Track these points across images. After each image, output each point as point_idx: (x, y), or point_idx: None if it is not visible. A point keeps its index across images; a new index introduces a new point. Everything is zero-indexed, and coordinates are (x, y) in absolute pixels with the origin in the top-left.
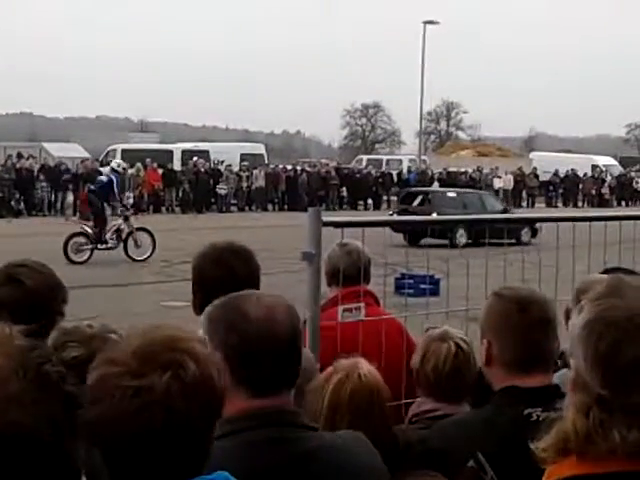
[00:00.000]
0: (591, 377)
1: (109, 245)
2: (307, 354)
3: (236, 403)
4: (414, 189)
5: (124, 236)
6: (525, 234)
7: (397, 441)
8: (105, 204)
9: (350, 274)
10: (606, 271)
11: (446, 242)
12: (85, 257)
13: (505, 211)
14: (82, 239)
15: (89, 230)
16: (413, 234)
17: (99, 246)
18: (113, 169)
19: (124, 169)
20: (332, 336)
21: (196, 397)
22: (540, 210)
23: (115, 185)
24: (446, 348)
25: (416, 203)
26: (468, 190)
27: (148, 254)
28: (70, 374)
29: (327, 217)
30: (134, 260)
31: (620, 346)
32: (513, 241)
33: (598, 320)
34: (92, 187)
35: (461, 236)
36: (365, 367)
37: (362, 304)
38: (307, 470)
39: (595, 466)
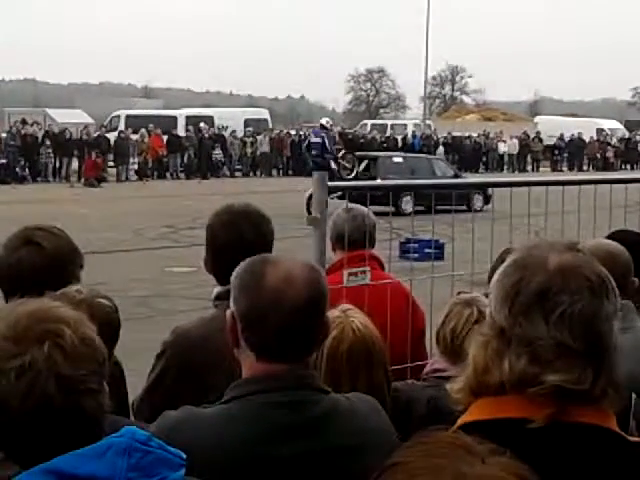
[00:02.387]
0: (497, 313)
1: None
2: None
3: (247, 363)
4: (359, 153)
5: None
6: (477, 200)
7: (397, 394)
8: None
9: (355, 238)
10: (613, 234)
11: (392, 209)
12: None
13: (456, 177)
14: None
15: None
16: (357, 201)
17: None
18: (323, 126)
19: (331, 125)
20: (337, 300)
21: (81, 360)
22: (544, 174)
23: (327, 142)
24: (469, 312)
25: (361, 168)
26: (416, 155)
27: None
28: None
29: (332, 182)
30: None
31: (524, 281)
32: (463, 207)
33: (511, 264)
34: (311, 143)
35: (407, 203)
36: (357, 320)
37: (367, 268)
38: (318, 433)
39: (493, 409)
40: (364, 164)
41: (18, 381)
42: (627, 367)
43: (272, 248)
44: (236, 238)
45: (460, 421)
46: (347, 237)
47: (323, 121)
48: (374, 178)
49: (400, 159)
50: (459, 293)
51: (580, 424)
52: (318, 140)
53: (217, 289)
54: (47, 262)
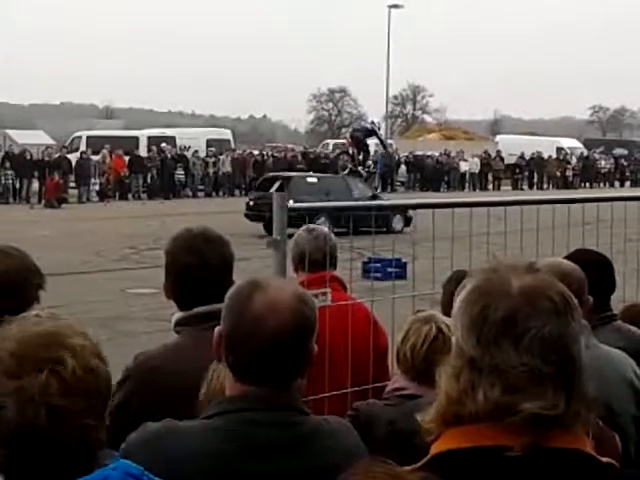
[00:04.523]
0: (465, 342)
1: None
2: None
3: (228, 382)
4: (271, 174)
5: None
6: (397, 222)
7: (357, 414)
8: None
9: (316, 259)
10: (572, 254)
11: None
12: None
13: (374, 197)
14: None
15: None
16: (272, 224)
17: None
18: (373, 122)
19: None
20: None
21: (77, 391)
22: (505, 193)
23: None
24: (427, 329)
25: (274, 189)
26: (331, 175)
27: None
28: None
29: (292, 203)
30: None
31: (489, 309)
32: (383, 229)
33: (473, 291)
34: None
35: (323, 223)
36: None
37: (328, 290)
38: (301, 452)
39: (467, 438)
40: (277, 184)
41: (12, 401)
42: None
43: (232, 271)
44: (197, 262)
45: (434, 449)
46: (308, 258)
47: (376, 120)
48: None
49: (314, 179)
50: (417, 311)
51: (556, 449)
52: (367, 125)
53: (177, 315)
54: (0, 284)
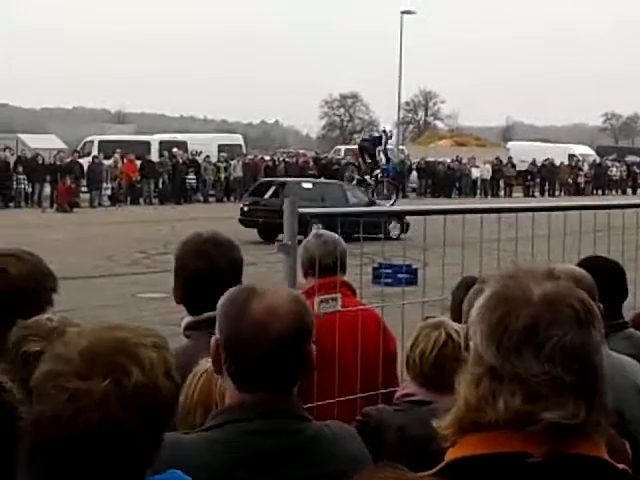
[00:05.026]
0: (485, 349)
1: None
2: None
3: (228, 392)
4: (267, 179)
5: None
6: (394, 228)
7: (367, 419)
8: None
9: (326, 265)
10: (582, 261)
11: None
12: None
13: (371, 204)
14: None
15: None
16: (266, 230)
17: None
18: (385, 131)
19: (385, 131)
20: None
21: (136, 405)
22: (518, 200)
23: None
24: (436, 335)
25: (268, 195)
26: (327, 181)
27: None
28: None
29: (303, 208)
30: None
31: (511, 316)
32: (380, 236)
33: (492, 297)
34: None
35: (317, 229)
36: None
37: (339, 295)
38: (302, 460)
39: (486, 445)
40: (272, 190)
41: (68, 403)
42: None
43: (242, 275)
44: (207, 267)
45: (450, 455)
46: (318, 263)
47: (388, 127)
48: (281, 206)
49: (310, 185)
50: (427, 317)
51: (576, 456)
52: (375, 134)
53: (187, 319)
54: (13, 288)
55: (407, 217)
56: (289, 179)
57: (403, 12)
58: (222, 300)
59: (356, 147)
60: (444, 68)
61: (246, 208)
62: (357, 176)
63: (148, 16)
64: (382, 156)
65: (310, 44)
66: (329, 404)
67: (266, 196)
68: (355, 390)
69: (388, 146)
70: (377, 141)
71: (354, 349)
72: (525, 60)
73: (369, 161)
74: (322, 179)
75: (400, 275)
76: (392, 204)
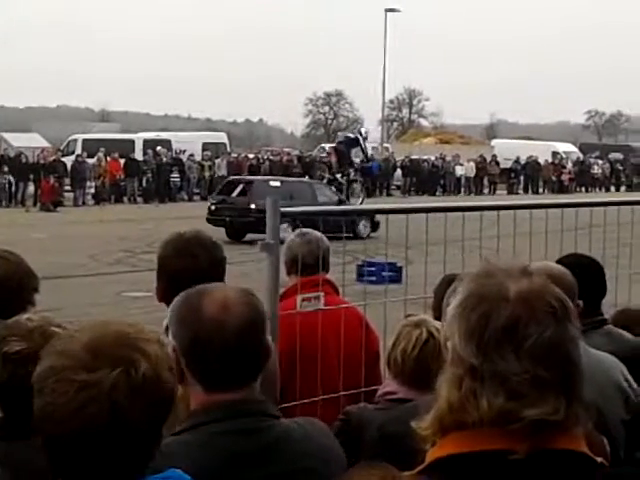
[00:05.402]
0: (464, 349)
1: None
2: None
3: (196, 396)
4: (234, 177)
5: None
6: (364, 227)
7: (348, 418)
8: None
9: (309, 263)
10: (563, 258)
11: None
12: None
13: (340, 202)
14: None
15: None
16: (234, 229)
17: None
18: (360, 132)
19: (360, 133)
20: (291, 325)
21: (143, 396)
22: (501, 197)
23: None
24: (418, 333)
25: (235, 193)
26: (296, 179)
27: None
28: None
29: (285, 207)
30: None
31: (490, 315)
32: (350, 235)
33: (470, 296)
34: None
35: (284, 230)
36: None
37: (321, 293)
38: (272, 458)
39: (470, 443)
40: (239, 188)
41: (76, 394)
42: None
43: (224, 274)
44: (189, 265)
45: (432, 455)
46: (301, 261)
47: (364, 129)
48: (249, 204)
49: (278, 183)
50: (408, 316)
51: (557, 451)
52: (350, 136)
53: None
54: None
55: (378, 216)
56: (256, 177)
57: (387, 10)
58: (173, 306)
59: (329, 150)
60: (428, 66)
61: (213, 207)
62: (328, 175)
63: (132, 15)
64: (358, 157)
65: (294, 42)
66: (312, 402)
67: (233, 195)
68: (338, 388)
69: (372, 144)
70: (353, 142)
71: (337, 347)
72: (509, 58)
73: (344, 161)
74: (306, 178)
75: (384, 273)
76: (360, 203)
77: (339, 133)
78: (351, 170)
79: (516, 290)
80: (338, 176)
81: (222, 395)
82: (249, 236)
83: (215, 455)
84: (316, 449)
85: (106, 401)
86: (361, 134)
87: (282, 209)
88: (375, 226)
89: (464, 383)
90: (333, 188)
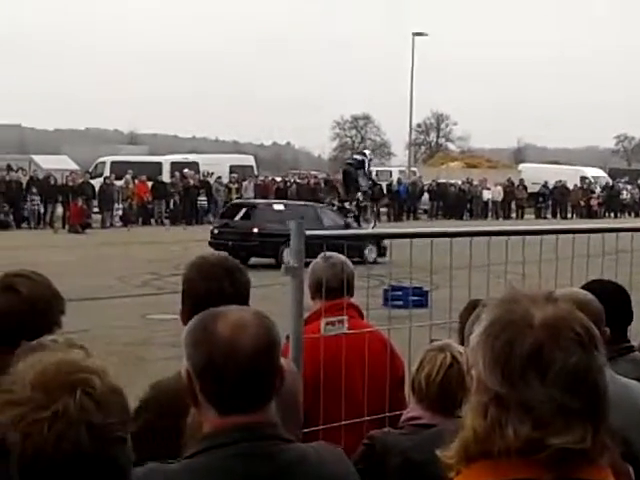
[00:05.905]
0: (489, 377)
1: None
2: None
3: (209, 419)
4: (238, 201)
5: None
6: (370, 252)
7: (372, 442)
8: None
9: (333, 287)
10: (588, 284)
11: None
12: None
13: (347, 226)
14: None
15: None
16: (237, 253)
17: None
18: (364, 153)
19: (365, 154)
20: (315, 349)
21: (111, 409)
22: (527, 222)
23: (366, 166)
24: (442, 358)
25: (239, 217)
26: (300, 203)
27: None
28: None
29: (310, 231)
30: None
31: (514, 343)
32: (359, 259)
33: (494, 323)
34: (349, 161)
35: (288, 254)
36: None
37: (345, 317)
38: None
39: (495, 472)
40: (242, 212)
41: (50, 431)
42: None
43: (249, 297)
44: (216, 289)
45: None
46: (325, 285)
47: (367, 151)
48: (251, 228)
49: (282, 207)
50: (432, 341)
51: None
52: (358, 157)
53: None
54: (23, 308)
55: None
56: (260, 200)
57: (415, 34)
58: (187, 328)
59: (335, 178)
60: (456, 90)
61: (216, 231)
62: (337, 203)
63: (161, 37)
64: (364, 179)
65: (321, 65)
66: (336, 427)
67: (236, 218)
68: (362, 413)
69: (400, 168)
70: (360, 164)
71: (361, 372)
72: (537, 82)
73: (352, 185)
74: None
75: (412, 297)
76: (373, 227)
77: (342, 163)
78: (359, 194)
79: (541, 317)
80: (346, 204)
81: (236, 418)
82: (253, 260)
83: (228, 479)
84: (331, 474)
85: (81, 423)
86: (365, 156)
87: (307, 232)
88: (382, 251)
89: (489, 411)
90: (350, 214)
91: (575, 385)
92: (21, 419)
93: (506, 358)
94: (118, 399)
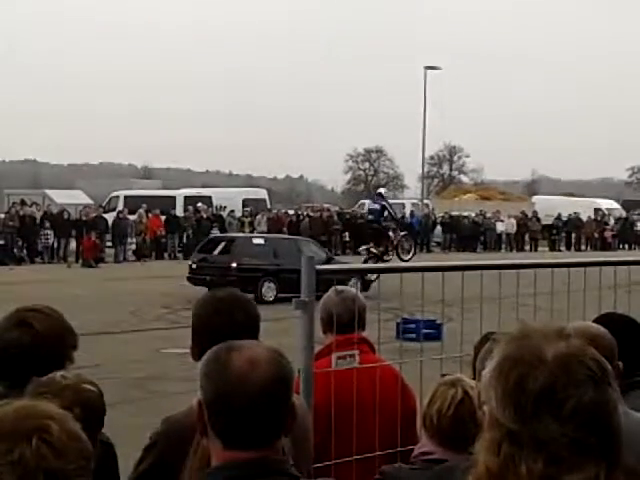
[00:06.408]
0: (501, 414)
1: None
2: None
3: (215, 451)
4: (217, 235)
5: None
6: (353, 286)
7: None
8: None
9: (345, 321)
10: (600, 317)
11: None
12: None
13: (329, 260)
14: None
15: (375, 250)
16: (214, 286)
17: (385, 258)
18: (381, 194)
19: (382, 195)
20: (327, 384)
21: (69, 455)
22: (542, 254)
23: (388, 208)
24: (453, 392)
25: (217, 251)
26: (280, 236)
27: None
28: None
29: (321, 265)
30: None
31: (527, 379)
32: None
33: (506, 359)
34: (370, 217)
35: (269, 289)
36: None
37: (356, 352)
38: None
39: None
40: (221, 246)
41: (8, 477)
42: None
43: (259, 330)
44: (226, 322)
45: None
46: (336, 320)
47: (382, 190)
48: (229, 263)
49: (261, 240)
50: (443, 375)
51: None
52: (376, 207)
53: None
54: (35, 343)
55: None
56: (239, 234)
57: (427, 67)
58: (203, 359)
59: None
60: (469, 123)
61: (194, 265)
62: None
63: (173, 72)
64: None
65: (334, 98)
66: (347, 462)
67: (215, 252)
68: (374, 448)
69: (413, 200)
70: (380, 212)
71: (372, 406)
72: (550, 114)
73: (382, 235)
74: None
75: (426, 330)
76: (410, 258)
77: (365, 214)
78: (391, 234)
79: (553, 353)
80: (385, 257)
81: (240, 453)
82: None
83: None
84: None
85: (38, 471)
86: (382, 197)
87: (317, 267)
88: (366, 285)
89: (502, 448)
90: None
91: (588, 422)
92: None
93: (518, 394)
94: (77, 445)
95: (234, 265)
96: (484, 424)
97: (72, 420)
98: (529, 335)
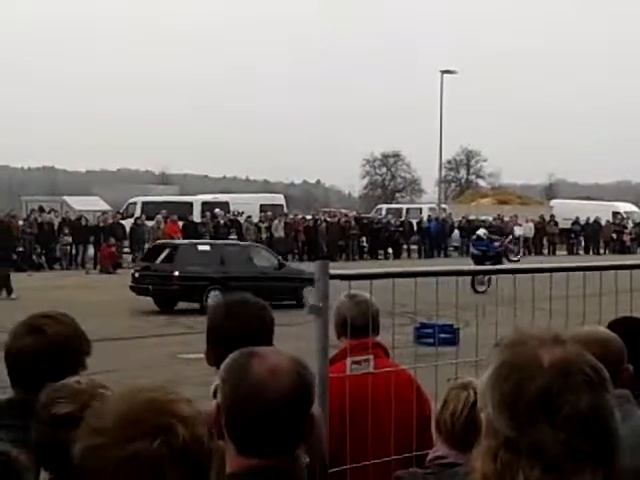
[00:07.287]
0: (499, 421)
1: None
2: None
3: (230, 455)
4: (160, 241)
5: None
6: (308, 292)
7: None
8: None
9: (359, 325)
10: (613, 322)
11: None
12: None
13: (281, 266)
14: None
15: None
16: (161, 297)
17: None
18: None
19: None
20: (341, 389)
21: (187, 462)
22: (560, 258)
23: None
24: (465, 395)
25: (160, 259)
26: (228, 242)
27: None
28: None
29: (335, 270)
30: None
31: (523, 385)
32: (293, 302)
33: (502, 366)
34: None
35: (215, 298)
36: None
37: (371, 356)
38: None
39: None
40: (165, 253)
41: (120, 471)
42: (632, 462)
43: (273, 334)
44: (240, 327)
45: None
46: (350, 324)
47: (480, 233)
48: (172, 271)
49: (207, 247)
50: (455, 379)
51: None
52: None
53: (217, 382)
54: (48, 349)
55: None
56: (183, 241)
57: (443, 72)
58: (223, 365)
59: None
60: (486, 126)
61: (137, 274)
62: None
63: (190, 77)
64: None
65: (350, 102)
66: (363, 467)
67: (158, 261)
68: (389, 452)
69: (430, 205)
70: (488, 244)
71: (387, 411)
72: (568, 118)
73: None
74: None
75: (443, 335)
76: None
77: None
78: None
79: (549, 359)
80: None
81: (252, 460)
82: (181, 304)
83: None
84: None
85: (152, 473)
86: (490, 237)
87: (331, 272)
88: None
89: (499, 455)
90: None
91: (585, 428)
92: (95, 450)
93: (514, 401)
94: (197, 450)
95: (176, 274)
96: (482, 432)
97: (202, 421)
98: (525, 341)
